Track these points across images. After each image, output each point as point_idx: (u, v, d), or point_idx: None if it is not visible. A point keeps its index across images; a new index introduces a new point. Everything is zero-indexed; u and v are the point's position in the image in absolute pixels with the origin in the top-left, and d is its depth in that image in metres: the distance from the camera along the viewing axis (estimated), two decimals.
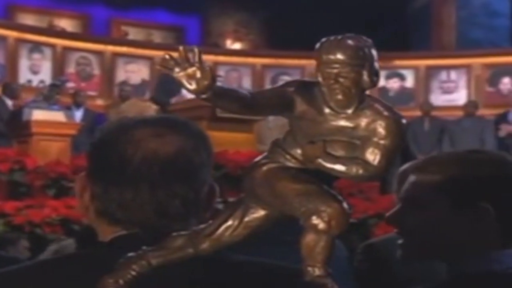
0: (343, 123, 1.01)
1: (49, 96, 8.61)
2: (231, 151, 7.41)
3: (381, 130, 1.00)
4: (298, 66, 13.86)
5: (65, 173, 7.43)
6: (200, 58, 0.94)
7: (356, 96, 1.00)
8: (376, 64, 1.00)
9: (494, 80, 13.47)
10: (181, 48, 0.94)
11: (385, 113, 1.00)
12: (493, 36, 14.14)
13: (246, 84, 13.60)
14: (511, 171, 1.68)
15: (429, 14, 14.81)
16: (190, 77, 0.94)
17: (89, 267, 1.28)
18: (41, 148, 8.05)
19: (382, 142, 0.99)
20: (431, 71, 13.82)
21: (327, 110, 1.02)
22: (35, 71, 12.71)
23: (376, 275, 2.60)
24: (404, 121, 1.01)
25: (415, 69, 13.75)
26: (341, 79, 0.99)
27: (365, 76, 0.99)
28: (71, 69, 13.04)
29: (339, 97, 1.00)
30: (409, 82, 13.77)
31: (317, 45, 1.01)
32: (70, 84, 11.79)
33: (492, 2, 14.31)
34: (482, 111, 11.77)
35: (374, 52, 1.00)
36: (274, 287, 1.31)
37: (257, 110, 1.03)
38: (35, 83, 12.54)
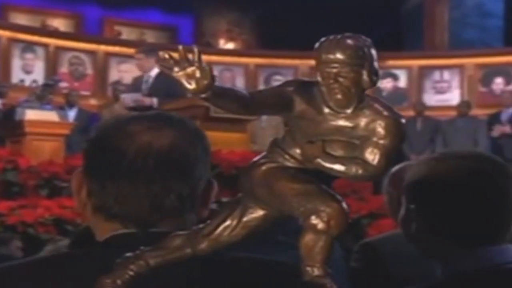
0: (342, 122, 1.01)
1: (42, 96, 8.58)
2: (224, 150, 7.40)
3: (380, 130, 0.99)
4: (292, 66, 13.87)
5: (58, 173, 7.40)
6: (199, 57, 0.94)
7: (356, 96, 1.00)
8: (376, 64, 1.00)
9: (486, 80, 13.49)
10: (180, 47, 0.94)
11: (385, 113, 1.00)
12: (486, 37, 14.17)
13: (239, 84, 13.58)
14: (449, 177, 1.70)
15: (422, 14, 14.84)
16: (190, 76, 0.94)
17: (84, 265, 1.29)
18: (34, 148, 8.02)
19: (381, 142, 0.99)
20: (424, 71, 13.84)
21: (326, 110, 1.01)
22: (27, 70, 12.67)
23: (372, 274, 2.60)
24: (403, 121, 1.01)
25: (408, 69, 13.77)
26: (340, 79, 0.99)
27: (365, 76, 0.99)
28: (64, 68, 13.00)
29: (339, 96, 1.00)
30: (402, 82, 13.78)
31: (316, 45, 1.00)
32: (63, 84, 11.75)
33: (485, 2, 14.34)
34: (475, 111, 11.78)
35: (373, 52, 1.00)
36: (274, 283, 1.30)
37: (256, 109, 1.03)
38: (27, 82, 12.50)
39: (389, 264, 2.59)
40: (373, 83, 1.00)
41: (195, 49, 0.94)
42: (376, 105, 1.01)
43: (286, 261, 1.31)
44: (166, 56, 0.95)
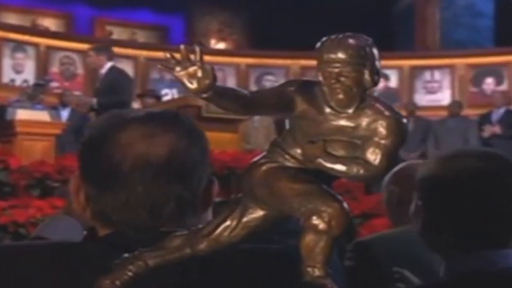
0: (343, 122, 1.00)
1: (33, 95, 8.56)
2: (216, 151, 7.40)
3: (382, 130, 0.99)
4: (283, 66, 13.90)
5: (50, 173, 7.37)
6: (201, 57, 0.94)
7: (357, 96, 0.99)
8: (378, 63, 1.00)
9: (477, 80, 13.54)
10: (182, 47, 0.94)
11: (386, 112, 1.00)
12: (477, 37, 14.22)
13: (231, 84, 13.56)
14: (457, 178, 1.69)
15: (413, 14, 14.88)
16: (191, 76, 0.94)
17: (72, 258, 1.28)
18: (26, 148, 7.99)
19: (383, 141, 0.99)
20: (415, 71, 13.87)
21: (327, 110, 1.01)
22: (18, 70, 12.65)
23: (366, 273, 2.60)
24: (404, 120, 1.01)
25: (399, 69, 13.80)
26: (342, 79, 0.98)
27: (367, 76, 0.99)
28: (54, 68, 12.98)
29: (340, 96, 0.99)
30: (393, 82, 13.81)
31: (318, 44, 1.00)
32: (54, 84, 11.72)
33: (476, 2, 14.39)
34: (466, 111, 11.81)
35: (375, 51, 1.00)
36: (275, 273, 1.28)
37: (257, 109, 1.02)
38: (18, 82, 12.48)
39: (382, 263, 2.59)
40: (375, 82, 1.00)
41: (197, 49, 0.94)
42: (378, 105, 1.00)
43: (286, 249, 1.28)
44: (168, 55, 0.95)
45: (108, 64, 8.76)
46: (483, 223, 1.64)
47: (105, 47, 9.27)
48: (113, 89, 8.39)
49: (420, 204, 1.72)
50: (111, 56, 8.92)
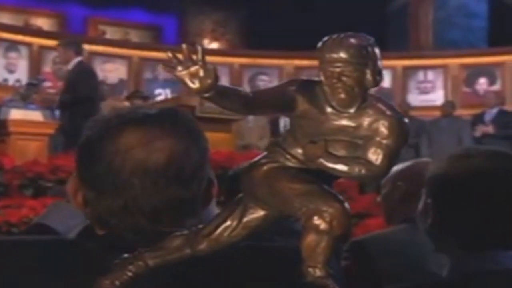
0: (345, 122, 1.00)
1: (26, 95, 8.55)
2: (211, 150, 7.38)
3: (383, 130, 0.99)
4: (276, 66, 13.90)
5: (43, 172, 7.35)
6: (203, 57, 0.93)
7: (359, 96, 0.99)
8: (380, 63, 1.00)
9: (470, 81, 13.57)
10: (184, 46, 0.94)
11: (388, 112, 1.00)
12: (470, 37, 14.25)
13: (224, 83, 13.52)
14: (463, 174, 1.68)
15: (406, 14, 14.89)
16: (193, 76, 0.93)
17: (68, 255, 1.27)
18: (19, 148, 7.97)
19: (384, 141, 0.99)
20: (408, 71, 13.88)
21: (329, 110, 1.01)
22: (11, 70, 12.61)
23: (362, 272, 2.60)
24: (406, 120, 1.01)
25: (392, 69, 13.79)
26: (344, 78, 0.98)
27: (368, 75, 0.99)
28: (47, 68, 12.94)
29: (342, 96, 0.99)
30: (386, 82, 13.79)
31: (319, 44, 1.00)
32: (47, 83, 11.69)
33: (469, 3, 14.42)
34: (459, 112, 11.82)
35: (377, 51, 1.00)
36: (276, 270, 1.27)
37: (258, 108, 1.02)
38: (11, 82, 12.44)
39: (378, 262, 2.60)
40: (377, 82, 0.99)
41: (199, 48, 0.93)
42: (379, 105, 1.00)
43: (286, 247, 1.26)
44: (170, 55, 0.94)
45: (76, 59, 8.59)
46: (492, 223, 1.62)
47: (73, 41, 9.07)
48: (76, 86, 8.29)
49: (429, 202, 1.71)
50: (80, 51, 8.71)
